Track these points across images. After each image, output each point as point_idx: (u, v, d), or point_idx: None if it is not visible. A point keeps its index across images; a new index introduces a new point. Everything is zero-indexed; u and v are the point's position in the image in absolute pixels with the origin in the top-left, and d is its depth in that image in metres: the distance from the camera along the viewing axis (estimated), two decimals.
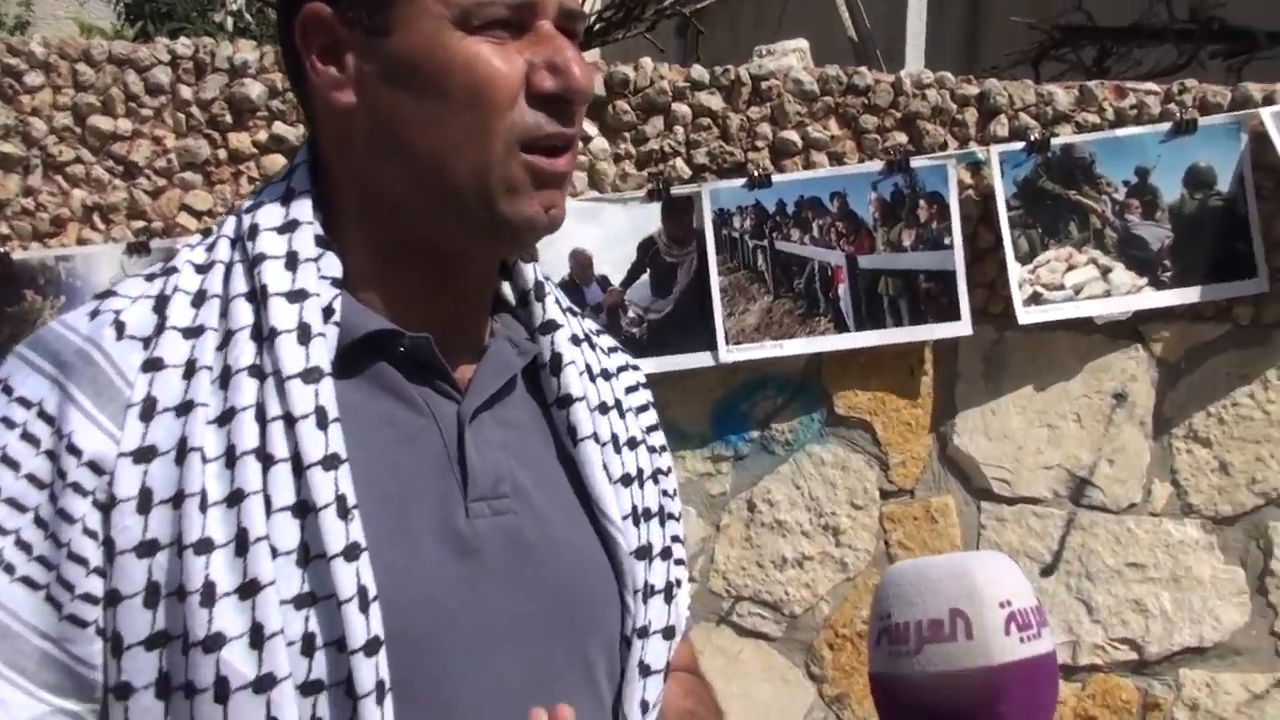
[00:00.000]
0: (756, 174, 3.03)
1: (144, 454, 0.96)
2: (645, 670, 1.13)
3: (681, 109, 3.08)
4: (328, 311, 1.01)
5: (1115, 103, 3.01)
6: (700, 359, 3.02)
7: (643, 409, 1.25)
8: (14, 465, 0.96)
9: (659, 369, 3.02)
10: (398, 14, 0.99)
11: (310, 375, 0.98)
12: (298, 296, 1.00)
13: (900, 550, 3.17)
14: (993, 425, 3.13)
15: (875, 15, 4.15)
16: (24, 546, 0.95)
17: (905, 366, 3.13)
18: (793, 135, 3.07)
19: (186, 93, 3.12)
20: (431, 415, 1.06)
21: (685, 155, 3.09)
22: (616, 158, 3.10)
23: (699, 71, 3.09)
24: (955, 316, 2.99)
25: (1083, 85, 3.04)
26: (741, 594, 3.13)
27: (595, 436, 1.12)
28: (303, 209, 1.05)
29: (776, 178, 3.02)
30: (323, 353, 0.99)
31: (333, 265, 1.04)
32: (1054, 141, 2.97)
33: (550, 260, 3.01)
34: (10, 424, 0.97)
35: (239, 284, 1.02)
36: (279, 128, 3.10)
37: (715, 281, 3.00)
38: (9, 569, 0.95)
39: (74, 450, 0.96)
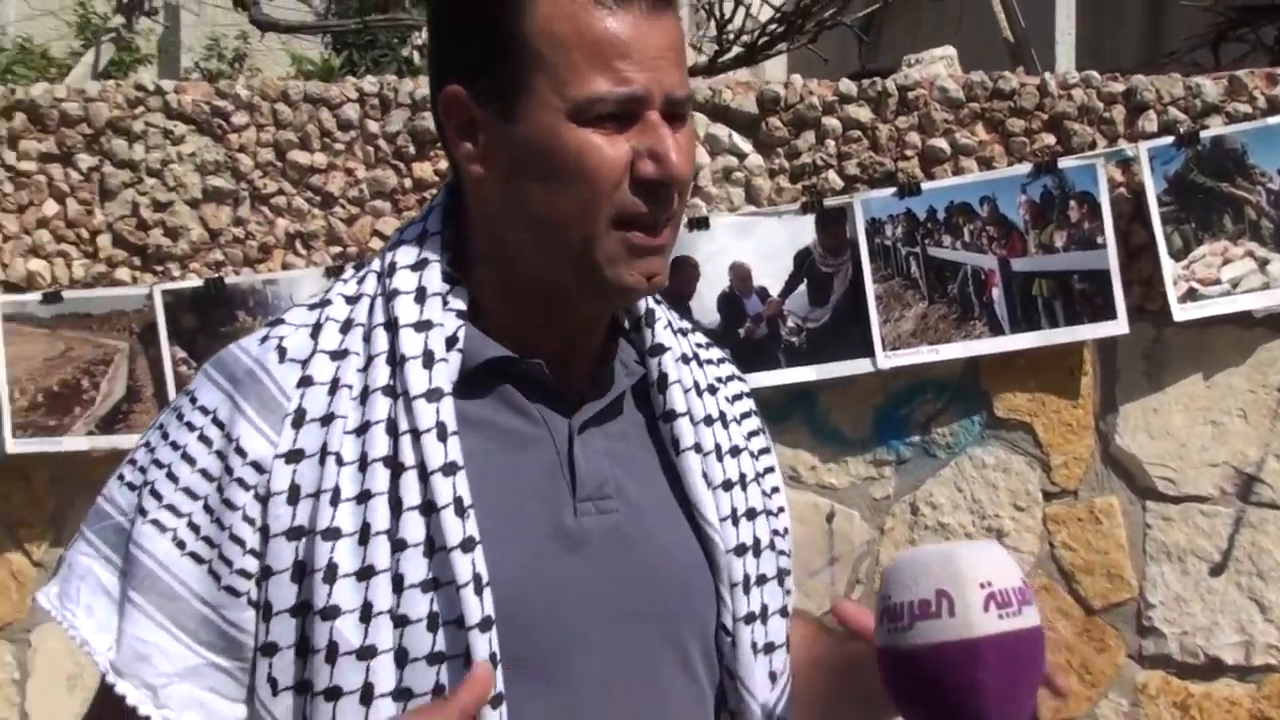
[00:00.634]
0: (906, 182, 3.11)
1: (294, 456, 1.15)
2: (769, 648, 1.28)
3: (832, 122, 3.19)
4: (451, 340, 1.18)
5: (1266, 91, 3.00)
6: (858, 365, 3.12)
7: (746, 416, 1.38)
8: (191, 461, 1.17)
9: (818, 376, 3.13)
10: (523, 105, 1.16)
11: (432, 395, 1.15)
12: (424, 326, 1.18)
13: (1065, 551, 3.20)
14: (1155, 423, 3.14)
15: (1033, 13, 4.17)
16: (194, 527, 1.16)
17: (1064, 367, 3.16)
18: (941, 143, 3.15)
19: (374, 127, 3.37)
20: (546, 428, 1.22)
21: (837, 167, 3.19)
22: (771, 173, 3.23)
23: (847, 85, 3.19)
24: (1111, 315, 3.02)
25: (1232, 75, 3.04)
26: None
27: (697, 447, 1.27)
28: (433, 248, 1.23)
29: (926, 185, 3.10)
30: (444, 376, 1.16)
31: (458, 299, 1.21)
32: (1204, 134, 2.97)
33: (711, 274, 3.15)
34: (192, 427, 1.18)
35: (379, 315, 1.20)
36: None
37: (870, 289, 3.09)
38: (180, 544, 1.15)
39: (240, 451, 1.16)
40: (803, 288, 3.15)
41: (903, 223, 3.10)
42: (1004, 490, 3.20)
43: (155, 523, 1.16)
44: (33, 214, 3.47)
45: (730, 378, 1.39)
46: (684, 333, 1.35)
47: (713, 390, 1.33)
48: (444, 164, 3.34)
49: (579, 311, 1.23)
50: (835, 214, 3.12)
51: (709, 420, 1.29)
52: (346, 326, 1.20)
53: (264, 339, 1.21)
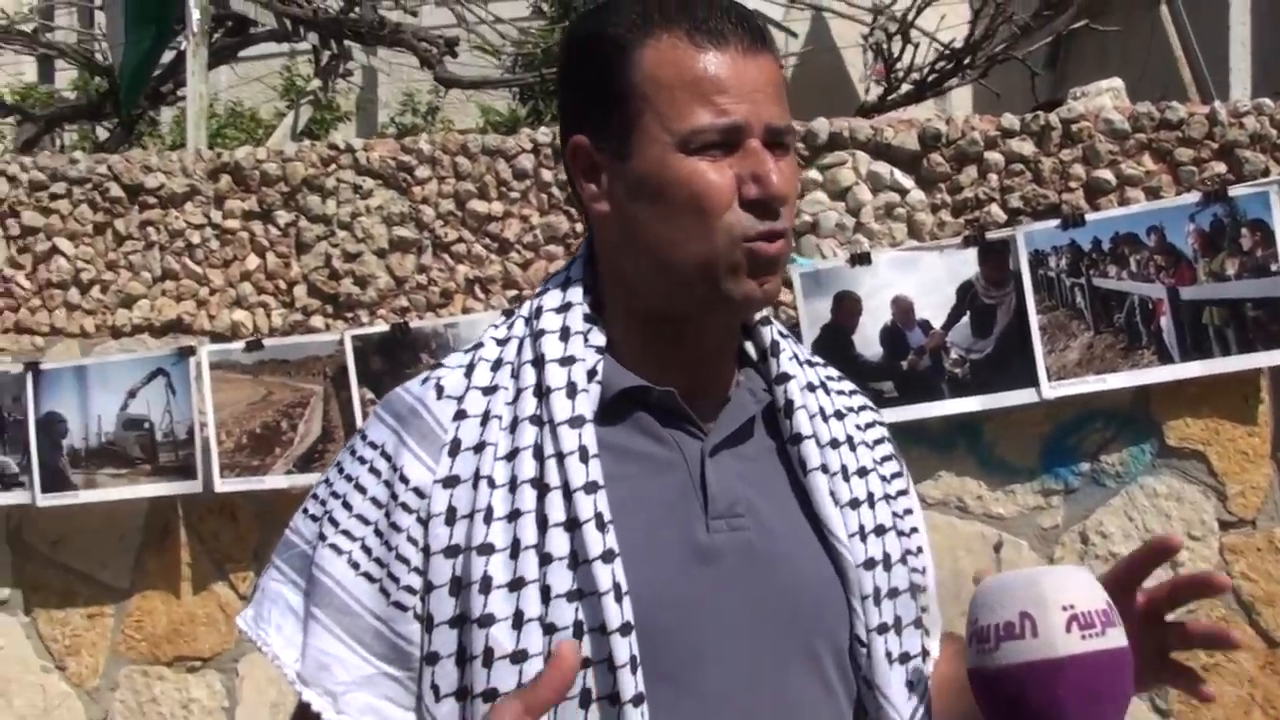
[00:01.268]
0: (1070, 214, 3.11)
1: (450, 481, 1.27)
2: (905, 658, 1.35)
3: (994, 156, 3.21)
4: (591, 373, 1.29)
5: None
6: (1023, 396, 3.12)
7: (878, 442, 1.46)
8: (363, 490, 1.31)
9: (982, 407, 3.15)
10: (635, 142, 1.27)
11: (575, 422, 1.26)
12: (568, 362, 1.29)
13: (1244, 582, 3.14)
14: None
15: (1209, 41, 4.10)
16: (366, 550, 1.29)
17: (1239, 395, 3.11)
18: (1106, 174, 3.14)
19: (547, 175, 3.53)
20: (680, 451, 1.31)
21: (1000, 200, 3.22)
22: (933, 207, 3.27)
23: (1009, 120, 3.21)
24: None
25: None
26: None
27: (824, 468, 1.35)
28: (575, 293, 1.34)
29: (1091, 216, 3.10)
30: (586, 404, 1.27)
31: (598, 336, 1.32)
32: None
33: (874, 308, 3.21)
34: (363, 461, 1.32)
35: (527, 353, 1.32)
36: None
37: (1034, 320, 3.10)
38: (355, 565, 1.29)
39: (404, 479, 1.28)
40: (965, 319, 3.18)
41: (1067, 254, 3.10)
42: (1177, 520, 3.16)
43: (333, 547, 1.30)
44: (236, 268, 3.73)
45: (863, 408, 1.47)
46: (811, 364, 1.44)
47: (840, 416, 1.41)
48: None
49: (702, 335, 1.33)
50: (998, 246, 3.15)
51: (835, 443, 1.37)
52: (497, 365, 1.32)
53: (425, 380, 1.34)
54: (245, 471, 3.62)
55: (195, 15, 4.34)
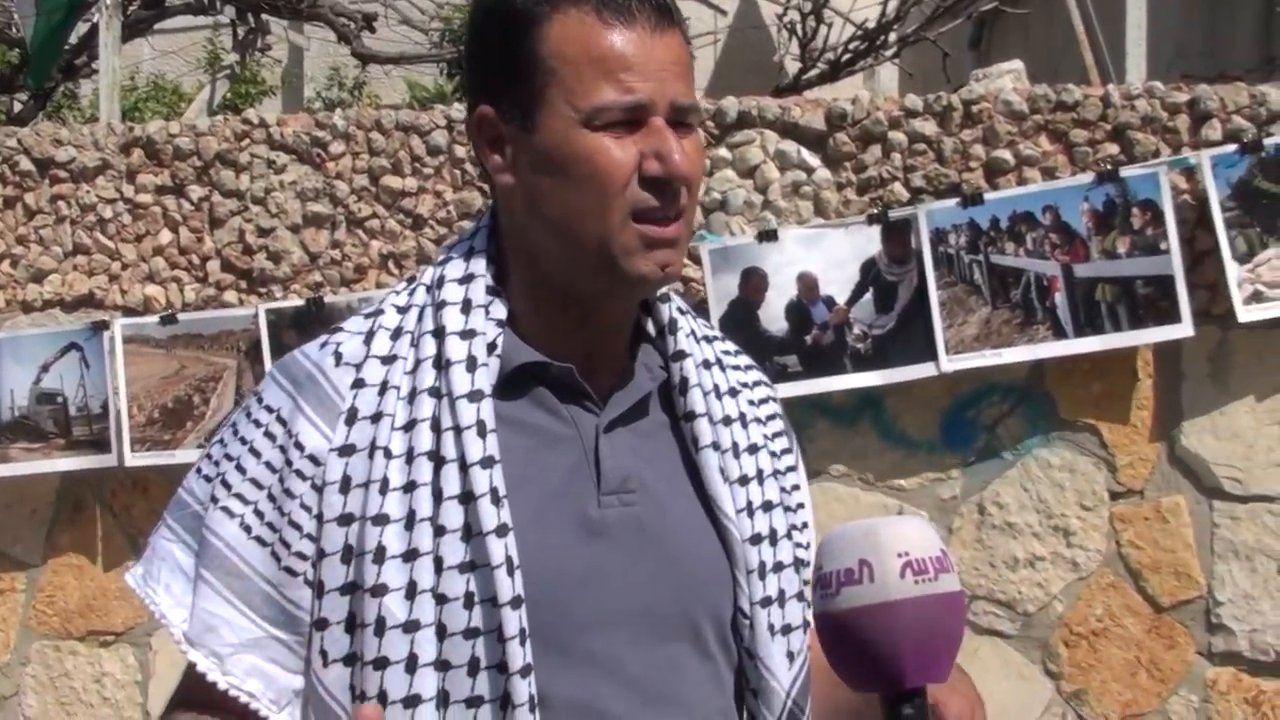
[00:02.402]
0: (970, 193, 3.19)
1: (346, 450, 1.29)
2: (786, 629, 1.39)
3: (898, 136, 3.28)
4: (491, 346, 1.31)
5: None
6: (923, 370, 3.21)
7: (771, 417, 1.49)
8: (257, 454, 1.32)
9: (884, 381, 3.23)
10: (540, 116, 1.29)
11: (474, 396, 1.28)
12: (468, 335, 1.31)
13: (1132, 549, 3.24)
14: (1221, 425, 3.17)
15: (1111, 24, 4.19)
16: (258, 514, 1.31)
17: (1128, 370, 3.21)
18: (1005, 154, 3.22)
19: (461, 151, 3.55)
20: (575, 426, 1.34)
21: (903, 179, 3.29)
22: (839, 186, 3.34)
23: (912, 100, 3.28)
24: (1176, 319, 3.06)
25: None
26: (975, 593, 3.28)
27: (715, 445, 1.38)
28: (478, 264, 1.35)
29: (989, 195, 3.18)
30: (485, 379, 1.29)
31: (499, 309, 1.33)
32: (1267, 141, 3.00)
33: (780, 284, 3.27)
34: (258, 424, 1.33)
35: (428, 323, 1.33)
36: None
37: (934, 296, 3.18)
38: (247, 529, 1.31)
39: (299, 446, 1.30)
40: (869, 296, 3.25)
41: (966, 232, 3.18)
42: (1070, 490, 3.26)
43: (225, 509, 1.31)
44: (149, 242, 3.72)
45: (757, 383, 1.50)
46: (709, 340, 1.46)
47: (734, 393, 1.43)
48: None
49: (602, 311, 1.35)
50: (900, 225, 3.22)
51: (728, 420, 1.40)
52: (397, 334, 1.33)
53: (323, 344, 1.35)
54: (156, 446, 3.61)
55: None
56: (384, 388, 1.30)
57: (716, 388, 1.42)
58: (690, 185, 1.32)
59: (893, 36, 4.55)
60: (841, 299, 3.26)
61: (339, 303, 3.56)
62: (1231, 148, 3.04)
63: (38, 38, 4.63)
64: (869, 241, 3.25)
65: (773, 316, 3.26)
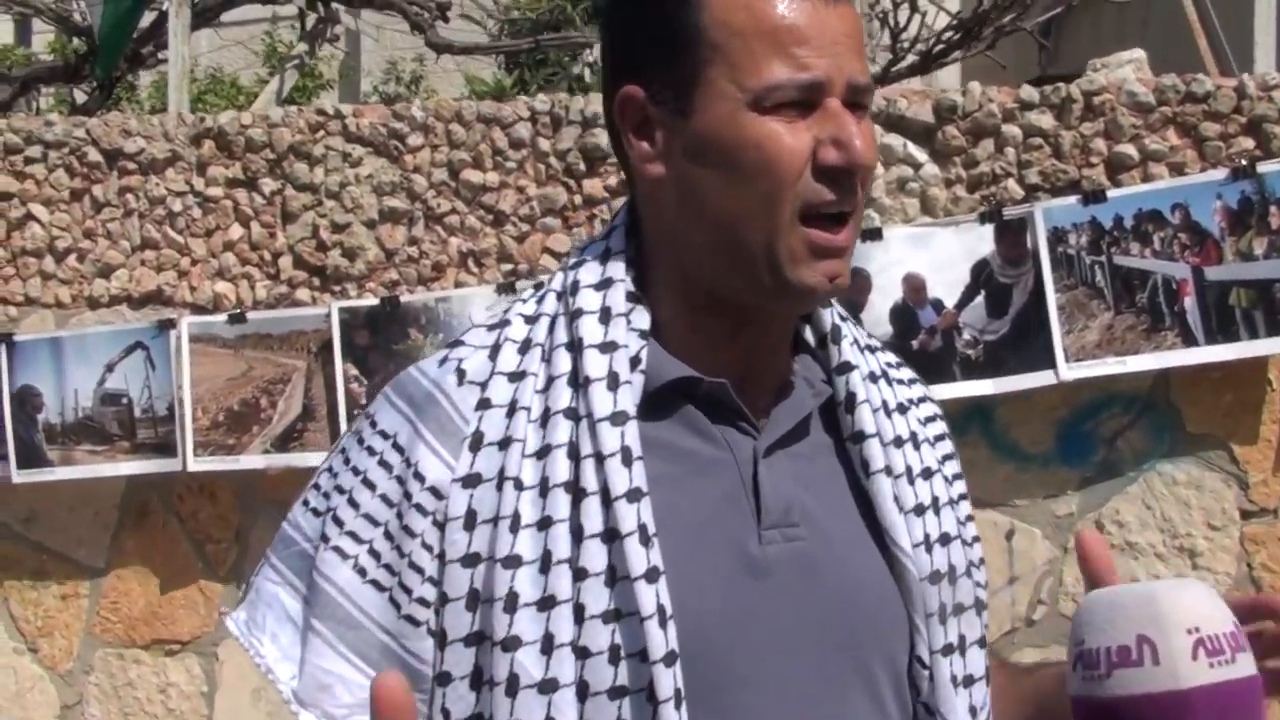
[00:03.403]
0: (1091, 190, 2.99)
1: (471, 480, 1.12)
2: (969, 681, 1.22)
3: (1012, 130, 3.09)
4: (634, 361, 1.14)
5: None
6: (1039, 378, 3.01)
7: (939, 439, 1.31)
8: (371, 486, 1.16)
9: (997, 390, 3.04)
10: (700, 97, 1.12)
11: (617, 418, 1.11)
12: (609, 348, 1.14)
13: (1265, 573, 3.03)
14: None
15: (1229, 17, 3.98)
16: (374, 554, 1.14)
17: (1261, 380, 3.00)
18: (1129, 149, 3.02)
19: (545, 144, 3.39)
20: (730, 450, 1.17)
21: (1017, 176, 3.09)
22: (948, 182, 3.14)
23: (1028, 92, 3.09)
24: None
25: None
26: None
27: (888, 469, 1.20)
28: (617, 268, 1.19)
29: (1113, 192, 2.98)
30: (629, 398, 1.13)
31: (642, 318, 1.17)
32: None
33: (885, 286, 3.08)
34: (372, 452, 1.17)
35: (560, 335, 1.17)
36: None
37: (1052, 299, 2.98)
38: (362, 572, 1.14)
39: (419, 477, 1.13)
40: (980, 299, 3.06)
41: (1087, 231, 2.98)
42: (1197, 508, 3.05)
43: (337, 550, 1.15)
44: (219, 237, 3.58)
45: (923, 399, 1.32)
46: (872, 350, 1.29)
47: (903, 410, 1.26)
48: (614, 180, 3.34)
49: (760, 322, 1.19)
50: (1015, 224, 3.02)
51: (899, 441, 1.22)
52: (525, 347, 1.18)
53: (443, 361, 1.19)
54: (220, 450, 3.47)
55: None
56: (513, 409, 1.15)
57: (885, 404, 1.24)
58: (868, 177, 1.15)
59: (985, 28, 4.35)
60: (950, 302, 3.07)
61: (415, 302, 3.41)
62: None
63: (106, 25, 4.52)
64: (980, 241, 3.05)
65: (877, 320, 3.07)
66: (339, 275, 3.51)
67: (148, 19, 5.38)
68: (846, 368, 1.23)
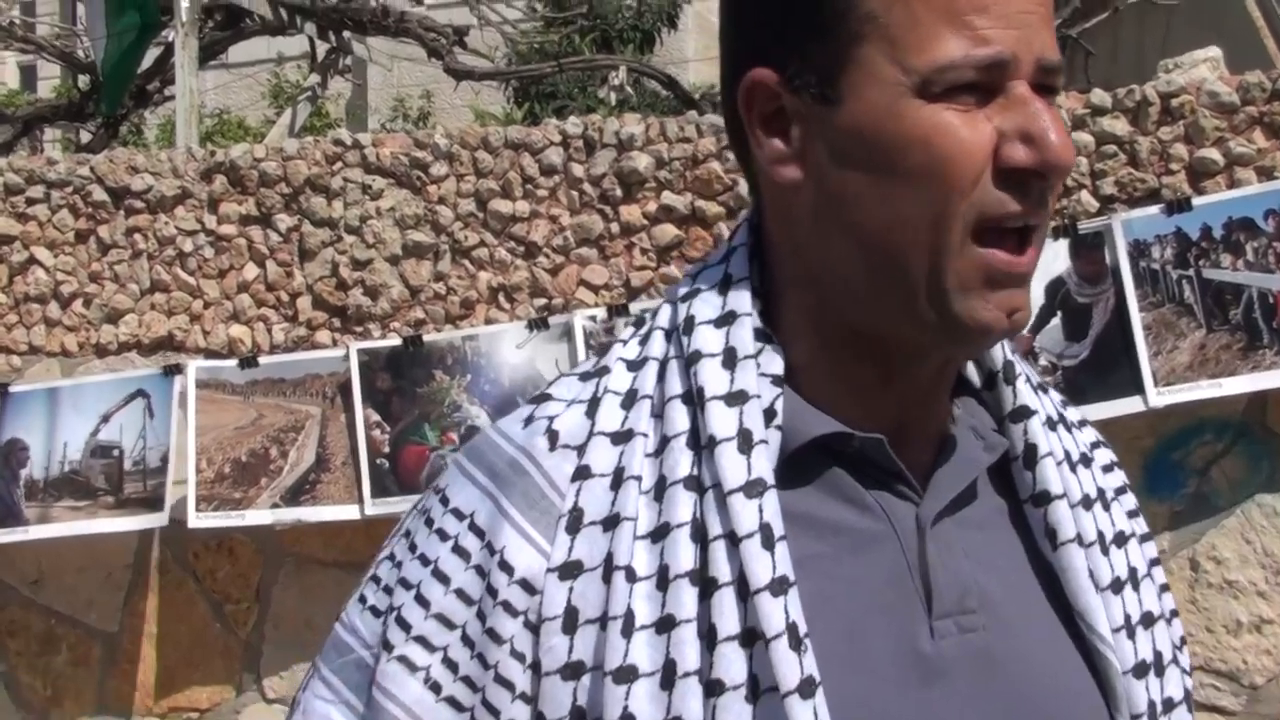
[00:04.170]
0: (1175, 199, 2.77)
1: (570, 569, 0.90)
2: None
3: (1083, 137, 2.86)
4: (769, 414, 0.92)
5: None
6: (1127, 405, 2.77)
7: (1121, 491, 1.08)
8: (444, 579, 0.92)
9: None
10: (850, 81, 0.89)
11: (753, 488, 0.89)
12: (737, 399, 0.92)
13: None
14: None
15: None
16: (450, 665, 0.91)
17: None
18: (1213, 153, 2.79)
19: (578, 170, 3.18)
20: (888, 521, 0.94)
21: (1091, 187, 2.87)
22: None
23: (1099, 96, 2.87)
24: None
25: None
26: (1191, 664, 2.84)
27: (1079, 538, 0.98)
28: (741, 299, 0.96)
29: (1198, 200, 2.76)
30: (765, 462, 0.90)
31: (773, 361, 0.94)
32: None
33: None
34: (444, 536, 0.94)
35: (674, 384, 0.94)
36: (667, 197, 3.11)
37: (1137, 319, 2.75)
38: (435, 688, 0.91)
39: (505, 567, 0.91)
40: (1056, 321, 2.83)
41: (1172, 243, 2.76)
42: None
43: (403, 659, 0.93)
44: (233, 278, 3.38)
45: (1096, 444, 1.09)
46: (1044, 389, 1.06)
47: (1086, 462, 1.03)
48: (653, 206, 3.13)
49: (919, 363, 0.95)
50: (1092, 238, 2.80)
51: (1088, 502, 1.00)
52: (630, 400, 0.95)
53: (528, 420, 0.96)
54: (225, 505, 3.24)
55: (185, 4, 3.99)
56: (619, 478, 0.92)
57: (1068, 456, 1.01)
58: (1060, 182, 0.90)
59: None
60: (1027, 325, 2.84)
61: (439, 341, 3.19)
62: None
63: (109, 61, 4.33)
64: (1055, 258, 2.82)
65: None
66: (361, 315, 3.30)
67: (153, 56, 5.21)
68: (1024, 413, 1.00)
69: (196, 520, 3.24)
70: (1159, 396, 2.74)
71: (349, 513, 3.16)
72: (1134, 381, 2.76)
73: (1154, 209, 2.78)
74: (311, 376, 3.28)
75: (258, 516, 3.24)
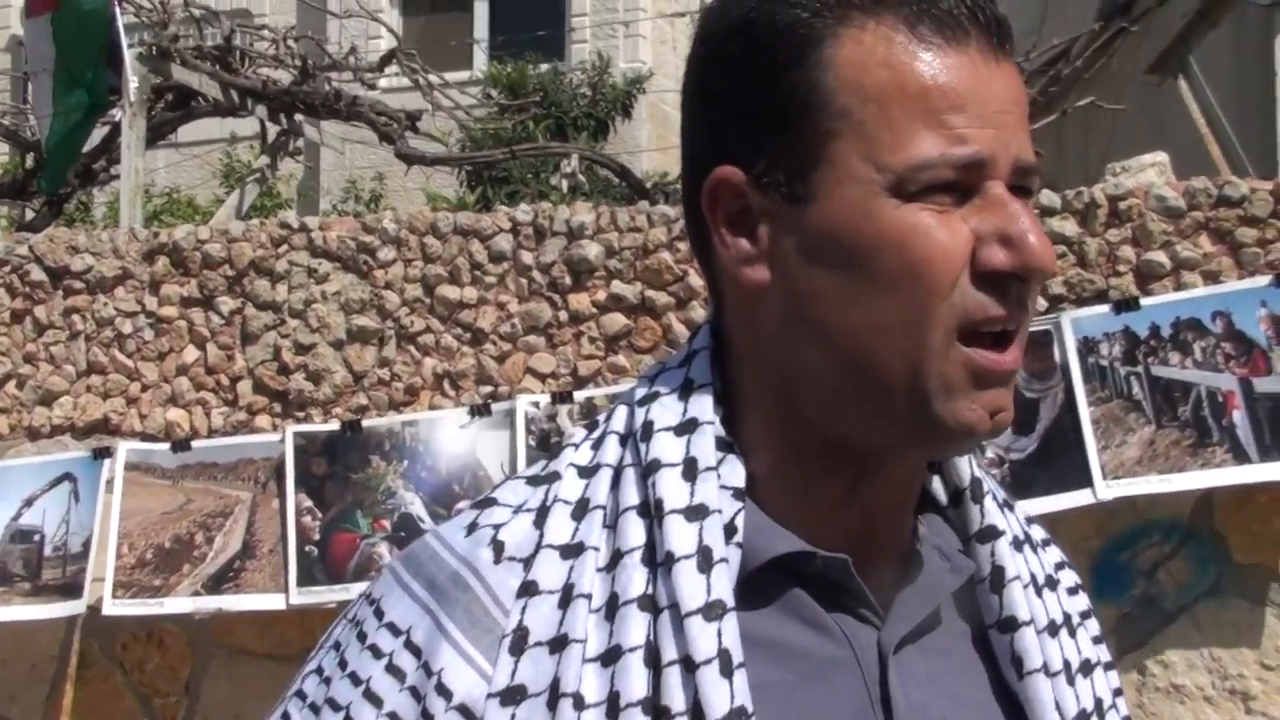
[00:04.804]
0: (1124, 298, 2.78)
1: (512, 694, 0.84)
2: None
3: None
4: (730, 530, 0.87)
5: None
6: (1075, 498, 2.76)
7: (1086, 615, 1.04)
8: (377, 702, 0.86)
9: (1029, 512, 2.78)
10: (821, 179, 0.86)
11: (713, 610, 0.84)
12: (697, 514, 0.87)
13: None
14: None
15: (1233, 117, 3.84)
16: None
17: None
18: (1160, 256, 2.81)
19: (527, 257, 3.16)
20: (850, 646, 0.90)
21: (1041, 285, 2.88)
22: None
23: (1049, 197, 2.89)
24: None
25: None
26: None
27: (1045, 668, 0.95)
28: (703, 405, 0.92)
29: (1146, 300, 2.77)
30: (725, 582, 0.86)
31: (735, 472, 0.90)
32: None
33: None
34: (378, 653, 0.88)
35: (630, 494, 0.89)
36: (617, 286, 3.09)
37: (1085, 413, 2.75)
38: None
39: (443, 691, 0.85)
40: None
41: (1120, 341, 2.76)
42: (1248, 647, 2.79)
43: None
44: (173, 361, 3.31)
45: (1061, 565, 1.05)
46: (1010, 506, 1.02)
47: (1052, 585, 0.99)
48: (602, 295, 3.11)
49: (890, 473, 0.92)
50: (1041, 336, 2.80)
51: (1054, 628, 0.96)
52: (581, 510, 0.90)
53: (471, 528, 0.90)
54: (143, 592, 3.14)
55: (133, 84, 3.96)
56: (568, 596, 0.87)
57: (1035, 579, 0.97)
58: (1039, 285, 0.88)
59: None
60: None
61: (378, 426, 3.12)
62: None
63: (53, 138, 4.29)
64: None
65: None
66: (303, 400, 3.24)
67: (101, 135, 5.17)
68: (991, 534, 0.96)
69: (111, 608, 3.13)
70: (1107, 489, 2.73)
71: (272, 602, 3.06)
72: (1083, 475, 2.75)
73: (1103, 308, 2.79)
74: (245, 461, 3.20)
75: (177, 605, 3.13)
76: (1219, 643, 2.80)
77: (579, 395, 3.02)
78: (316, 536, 3.07)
